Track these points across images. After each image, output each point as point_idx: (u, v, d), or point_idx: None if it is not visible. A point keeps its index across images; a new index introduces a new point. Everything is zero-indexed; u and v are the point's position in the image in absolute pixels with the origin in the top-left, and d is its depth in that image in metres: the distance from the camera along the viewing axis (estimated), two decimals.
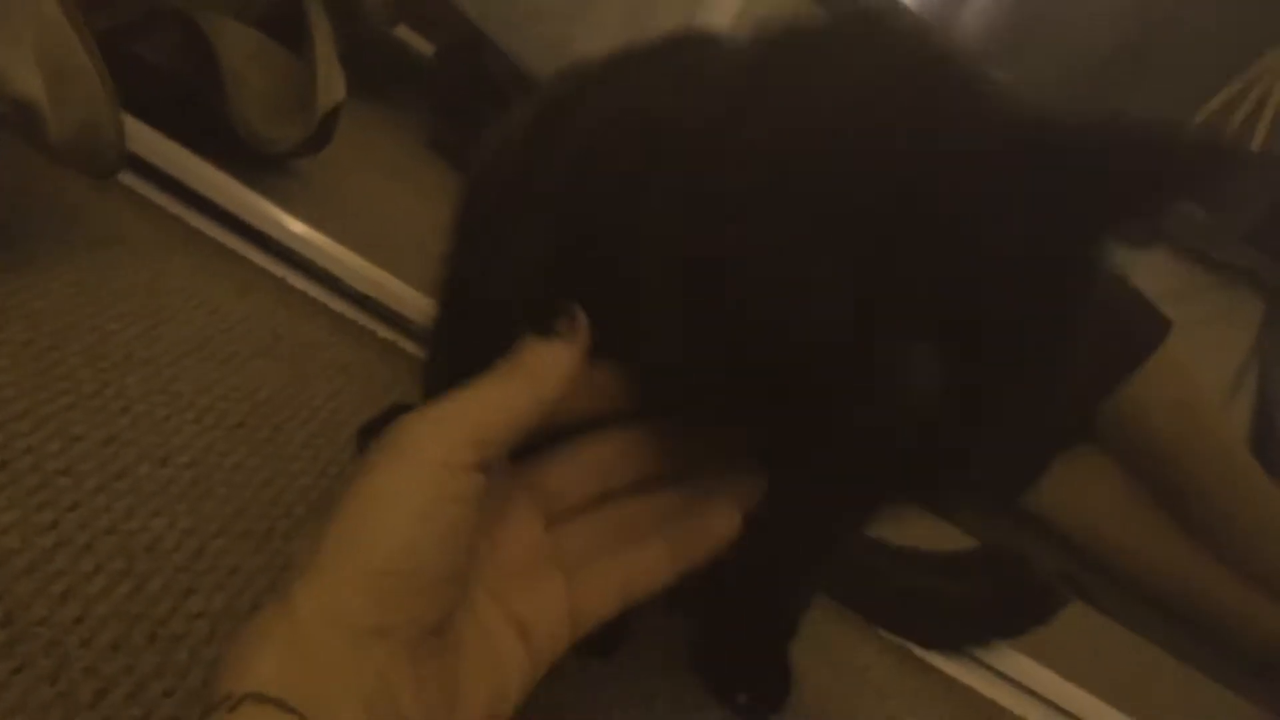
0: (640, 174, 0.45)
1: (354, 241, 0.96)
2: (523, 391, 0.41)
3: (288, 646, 0.35)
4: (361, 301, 0.92)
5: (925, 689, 0.91)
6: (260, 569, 0.56)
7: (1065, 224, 0.40)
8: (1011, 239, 0.38)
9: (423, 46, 2.00)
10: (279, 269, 0.90)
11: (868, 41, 0.42)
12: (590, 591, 0.46)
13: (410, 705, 0.37)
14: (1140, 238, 0.43)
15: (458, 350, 0.64)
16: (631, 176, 0.46)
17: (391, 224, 1.25)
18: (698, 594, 0.76)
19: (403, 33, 2.00)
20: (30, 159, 0.69)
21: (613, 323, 0.44)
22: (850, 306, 0.38)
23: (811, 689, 0.77)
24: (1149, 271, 1.71)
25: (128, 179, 0.87)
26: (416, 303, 0.94)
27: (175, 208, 0.89)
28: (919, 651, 0.95)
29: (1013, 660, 1.00)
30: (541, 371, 0.42)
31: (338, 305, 0.90)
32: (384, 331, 0.90)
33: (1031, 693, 1.01)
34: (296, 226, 0.94)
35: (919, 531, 1.06)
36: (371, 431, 0.71)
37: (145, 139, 0.90)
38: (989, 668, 1.00)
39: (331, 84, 1.10)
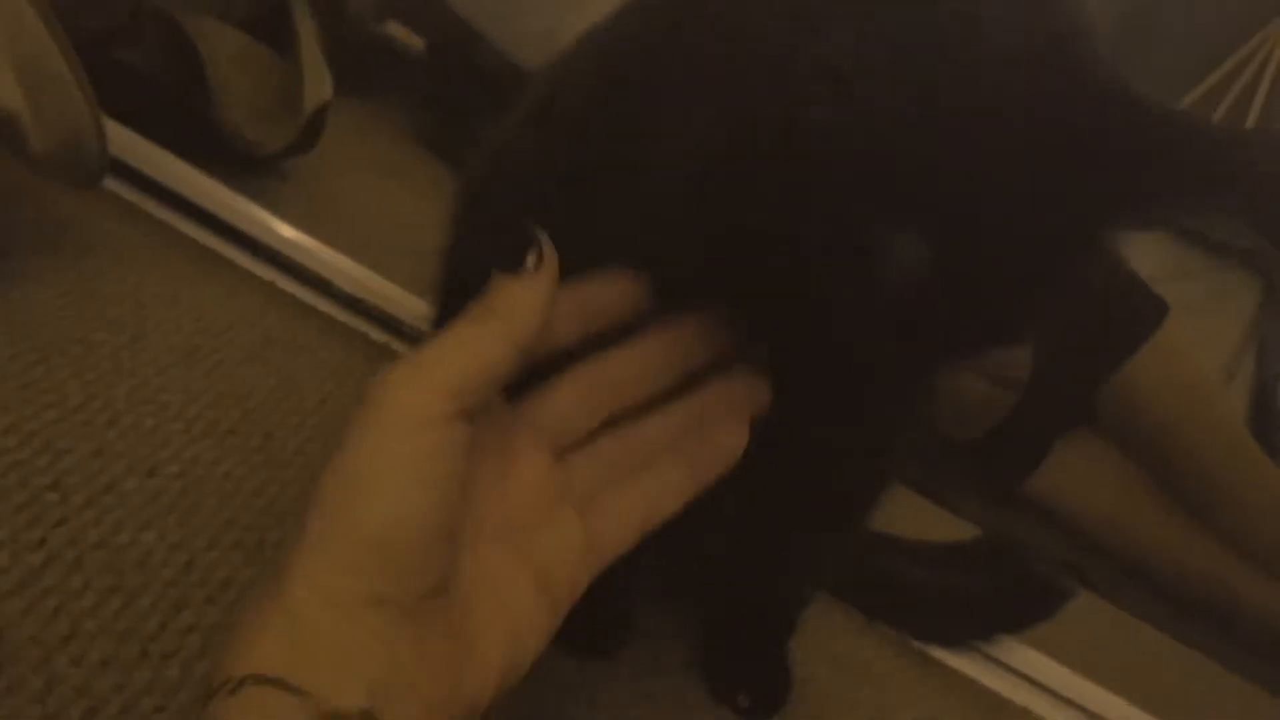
0: (662, 78, 0.45)
1: (344, 243, 0.96)
2: (496, 333, 0.39)
3: (285, 625, 0.35)
4: (352, 304, 0.92)
5: (926, 682, 0.90)
6: (252, 581, 0.55)
7: (1073, 169, 0.41)
8: (1014, 162, 0.39)
9: (412, 42, 1.99)
10: (267, 272, 0.89)
11: None
12: (607, 524, 0.45)
13: (417, 671, 0.37)
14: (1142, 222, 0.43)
15: None
16: (654, 81, 0.46)
17: (382, 224, 1.24)
18: (697, 594, 0.76)
19: (393, 28, 1.99)
20: (11, 168, 0.68)
21: (624, 230, 0.45)
22: (853, 195, 0.39)
23: (812, 685, 0.77)
24: (1146, 253, 1.71)
25: (112, 185, 0.86)
26: (409, 304, 0.93)
27: (161, 213, 0.88)
28: (919, 645, 0.95)
29: (1015, 651, 1.00)
30: (513, 310, 0.40)
31: (328, 308, 0.90)
32: (376, 334, 0.90)
33: (1034, 683, 1.01)
34: (285, 229, 0.93)
35: (920, 522, 1.06)
36: None
37: (130, 144, 0.89)
38: (991, 659, 0.99)
39: (318, 83, 1.09)
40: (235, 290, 0.83)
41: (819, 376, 0.48)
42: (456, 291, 0.65)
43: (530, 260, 0.41)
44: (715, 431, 0.47)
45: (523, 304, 0.40)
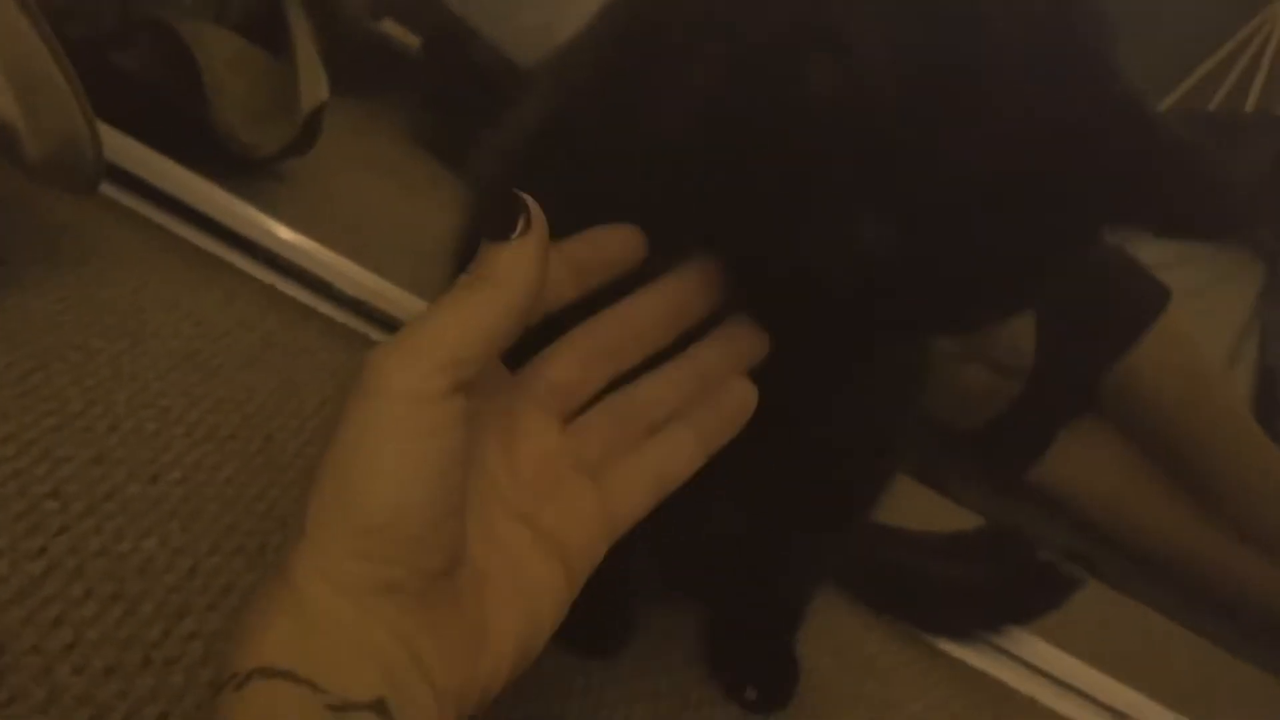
0: (668, 36, 0.46)
1: (343, 244, 0.96)
2: (489, 301, 0.38)
3: (292, 617, 0.34)
4: (352, 305, 0.91)
5: (932, 673, 0.90)
6: (255, 586, 0.55)
7: (1066, 167, 0.41)
8: (1006, 155, 0.39)
9: (408, 40, 1.98)
10: (266, 275, 0.89)
11: None
12: (622, 492, 0.45)
13: (430, 654, 0.36)
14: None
15: None
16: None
17: (381, 224, 1.24)
18: (702, 590, 0.76)
19: (388, 27, 1.98)
20: (6, 175, 0.68)
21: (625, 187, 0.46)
22: (836, 168, 0.40)
23: (817, 678, 0.77)
24: (1147, 239, 1.70)
25: (109, 190, 0.86)
26: (409, 304, 0.93)
27: (159, 217, 0.88)
28: (926, 637, 0.95)
29: (1020, 640, 1.00)
30: (505, 276, 0.38)
31: (327, 310, 0.90)
32: (376, 335, 0.89)
33: (1040, 672, 1.01)
34: (283, 231, 0.93)
35: (925, 512, 1.06)
36: None
37: (126, 149, 0.89)
38: (996, 649, 0.99)
39: (314, 84, 1.09)
40: (234, 293, 0.83)
41: (802, 343, 0.49)
42: None
43: (520, 225, 0.39)
44: (722, 392, 0.47)
45: (514, 268, 0.38)
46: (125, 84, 0.97)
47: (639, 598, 0.69)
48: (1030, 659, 1.00)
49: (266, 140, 1.06)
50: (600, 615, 0.65)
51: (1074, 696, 1.01)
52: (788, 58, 0.40)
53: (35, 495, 0.52)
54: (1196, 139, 0.43)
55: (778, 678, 0.74)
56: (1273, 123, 2.48)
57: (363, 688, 0.34)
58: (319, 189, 1.18)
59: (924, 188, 0.39)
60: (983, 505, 1.42)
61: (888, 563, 0.95)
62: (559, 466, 0.44)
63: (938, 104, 0.38)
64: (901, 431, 0.68)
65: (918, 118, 0.38)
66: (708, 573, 0.74)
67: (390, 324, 0.92)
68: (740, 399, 0.47)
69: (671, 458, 0.46)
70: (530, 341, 0.41)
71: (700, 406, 0.47)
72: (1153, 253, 1.56)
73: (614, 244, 0.45)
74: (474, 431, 0.39)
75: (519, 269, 0.38)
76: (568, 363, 0.45)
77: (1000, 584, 0.95)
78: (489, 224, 0.39)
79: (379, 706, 0.34)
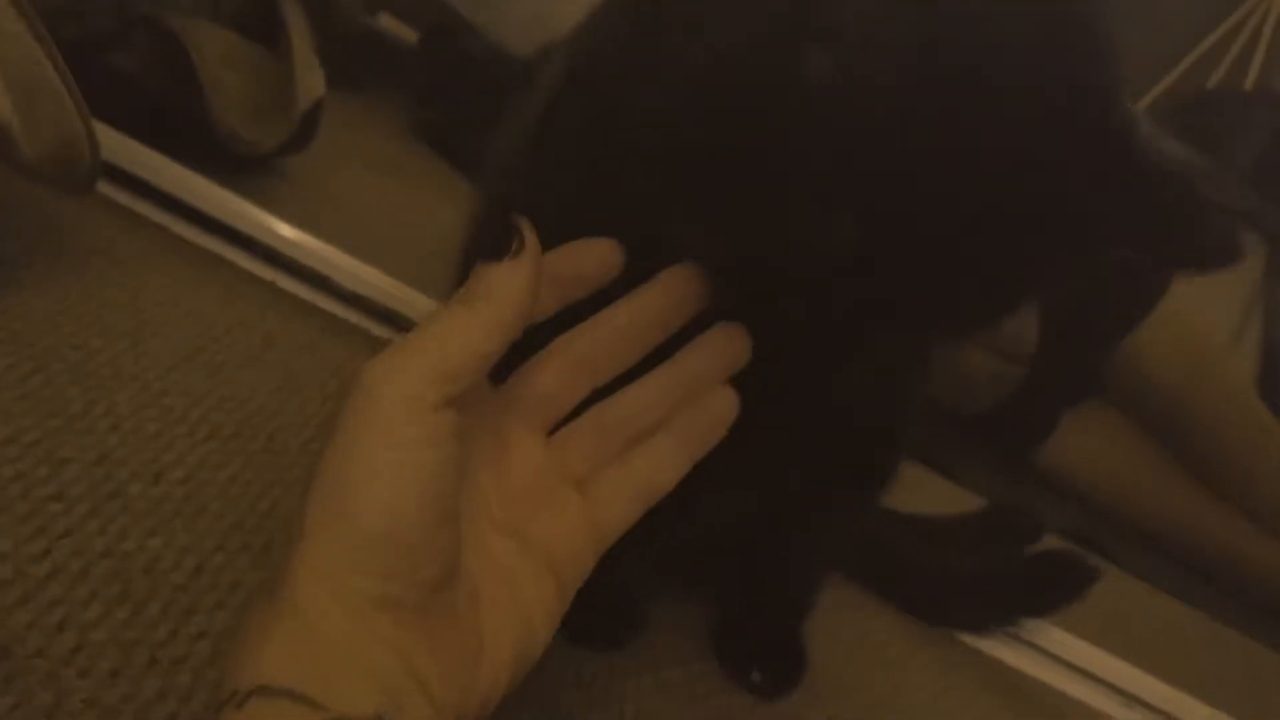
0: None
1: (343, 239, 0.95)
2: (481, 316, 0.39)
3: (291, 631, 0.34)
4: (353, 300, 0.91)
5: (942, 659, 0.90)
6: (256, 591, 0.54)
7: (1052, 184, 0.41)
8: (991, 164, 0.39)
9: (404, 34, 1.98)
10: (266, 272, 0.89)
11: None
12: (608, 502, 0.46)
13: (428, 669, 0.36)
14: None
15: None
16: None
17: (381, 219, 1.23)
18: (709, 579, 0.75)
19: (384, 21, 1.98)
20: (3, 176, 0.68)
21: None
22: (816, 161, 0.40)
23: (827, 666, 0.77)
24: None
25: (107, 190, 0.85)
26: (410, 299, 0.93)
27: (157, 216, 0.88)
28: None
29: (1029, 625, 1.00)
30: (498, 294, 0.39)
31: (328, 306, 0.89)
32: (377, 330, 0.89)
33: (1050, 655, 1.01)
34: (283, 228, 0.93)
35: (932, 497, 1.06)
36: None
37: (123, 148, 0.88)
38: (1006, 633, 0.99)
39: (310, 80, 1.08)
40: (234, 291, 0.82)
41: (788, 345, 0.49)
42: None
43: (514, 246, 0.40)
44: (705, 401, 0.48)
45: (507, 287, 0.39)
46: (122, 83, 0.96)
47: (648, 591, 0.69)
48: (1039, 643, 1.00)
49: (264, 137, 1.05)
50: (610, 608, 0.65)
51: (1083, 679, 1.01)
52: (782, 47, 0.40)
53: (38, 497, 0.52)
54: (1186, 170, 0.43)
55: (784, 663, 0.74)
56: (1273, 99, 2.47)
57: (361, 703, 0.34)
58: (317, 185, 1.18)
59: (907, 183, 0.39)
60: (989, 489, 1.42)
61: (903, 557, 0.95)
62: (545, 479, 0.45)
63: (929, 100, 0.38)
64: (907, 418, 0.68)
65: (907, 113, 0.38)
66: (715, 563, 0.74)
67: (391, 319, 0.91)
68: (722, 407, 0.48)
69: (655, 468, 0.47)
70: (510, 355, 0.41)
71: (683, 415, 0.47)
72: None
73: (593, 257, 0.46)
74: (462, 446, 0.39)
75: (512, 288, 0.39)
76: (548, 376, 0.46)
77: (1018, 576, 0.95)
78: (484, 245, 0.40)
79: None
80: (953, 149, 0.39)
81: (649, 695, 0.64)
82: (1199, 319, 1.67)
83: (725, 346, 0.48)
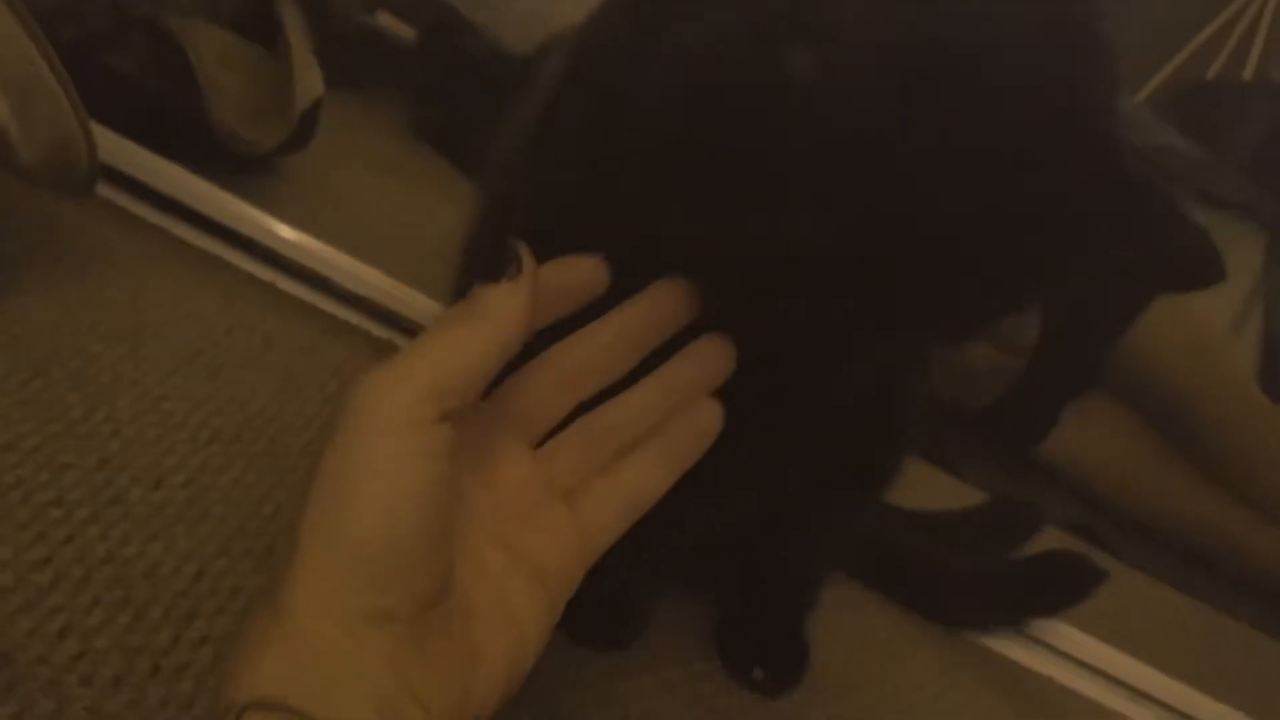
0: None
1: (343, 239, 0.95)
2: (478, 335, 0.39)
3: (285, 647, 0.34)
4: (353, 301, 0.91)
5: (946, 654, 0.90)
6: (247, 613, 0.54)
7: (1035, 197, 0.41)
8: (974, 171, 0.39)
9: (402, 33, 1.97)
10: (266, 273, 0.89)
11: None
12: (595, 514, 0.46)
13: (423, 683, 0.36)
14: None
15: None
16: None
17: (381, 218, 1.23)
18: (712, 577, 0.75)
19: (382, 19, 1.98)
20: (0, 180, 0.68)
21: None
22: (796, 157, 0.40)
23: (831, 661, 0.77)
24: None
25: (105, 192, 0.85)
26: (410, 299, 0.92)
27: (156, 218, 0.88)
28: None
29: (1035, 620, 1.00)
30: (495, 313, 0.39)
31: (328, 306, 0.89)
32: (377, 330, 0.89)
33: (1053, 649, 1.01)
34: (282, 228, 0.93)
35: (934, 492, 1.06)
36: None
37: (121, 150, 0.88)
38: (1012, 629, 0.99)
39: (309, 80, 1.08)
40: (234, 293, 0.82)
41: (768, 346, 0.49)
42: None
43: (511, 269, 0.40)
44: (690, 413, 0.48)
45: (503, 306, 0.40)
46: (119, 84, 0.96)
47: (650, 590, 0.69)
48: (1042, 638, 1.00)
49: (262, 137, 1.05)
50: (611, 608, 0.65)
51: (1086, 673, 1.01)
52: (770, 45, 0.40)
53: (39, 503, 0.52)
54: (1167, 188, 0.43)
55: (786, 660, 0.73)
56: (1272, 90, 2.47)
57: (357, 716, 0.34)
58: (316, 185, 1.18)
59: (892, 183, 0.39)
60: (991, 483, 1.41)
61: (908, 556, 0.95)
62: (533, 492, 0.45)
63: (916, 100, 0.38)
64: (908, 417, 0.68)
65: (892, 112, 0.38)
66: (717, 562, 0.74)
67: (391, 319, 0.91)
68: (707, 419, 0.48)
69: (642, 479, 0.47)
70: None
71: (669, 427, 0.48)
72: None
73: (579, 274, 0.46)
74: (456, 461, 0.39)
75: (509, 309, 0.40)
76: (534, 390, 0.46)
77: (1024, 576, 0.95)
78: (482, 267, 0.41)
79: None
80: (939, 149, 0.39)
81: (650, 695, 0.64)
82: (1199, 310, 1.66)
83: (710, 359, 0.48)
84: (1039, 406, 1.61)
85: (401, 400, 0.37)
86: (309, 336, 0.82)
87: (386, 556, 0.36)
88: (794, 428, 0.58)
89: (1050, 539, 1.33)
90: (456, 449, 0.38)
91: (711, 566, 0.75)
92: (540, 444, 0.47)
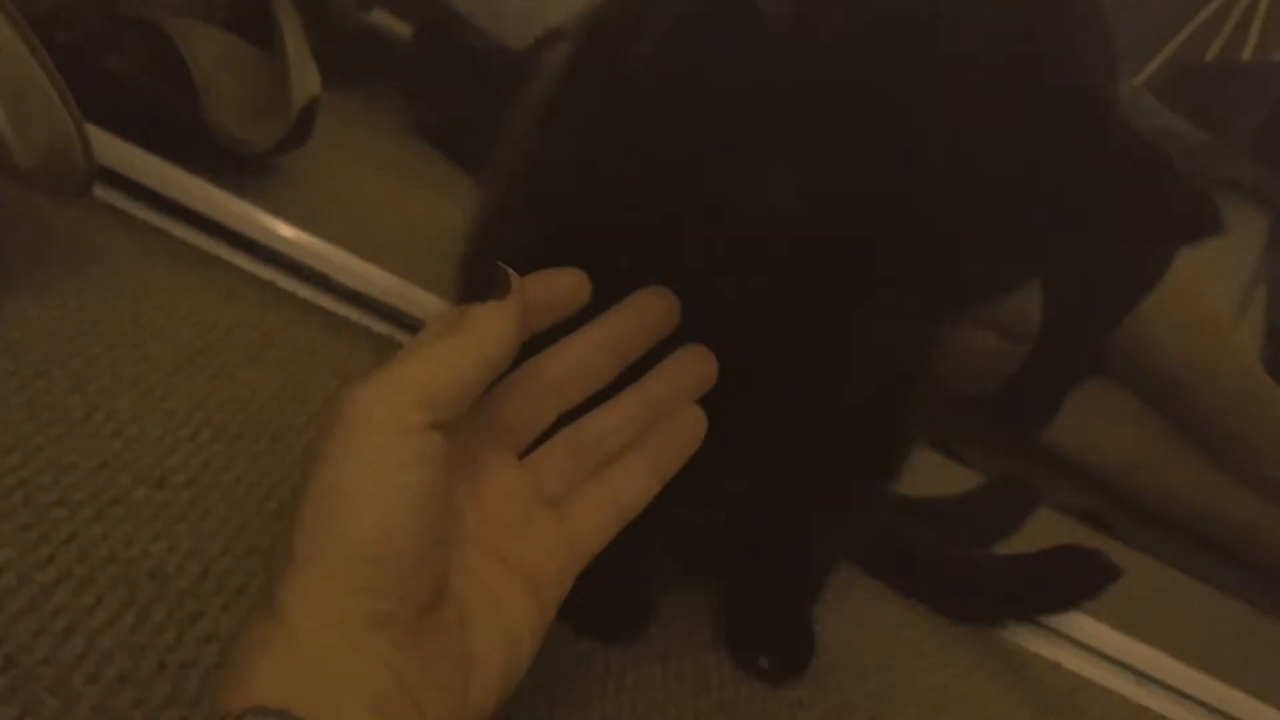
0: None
1: (341, 236, 0.95)
2: (467, 349, 0.40)
3: (283, 653, 0.34)
4: (352, 298, 0.91)
5: (955, 642, 0.90)
6: (242, 619, 0.54)
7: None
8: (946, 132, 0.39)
9: (398, 30, 1.97)
10: (265, 272, 0.89)
11: None
12: (583, 521, 0.46)
13: (421, 688, 0.37)
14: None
15: None
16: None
17: (379, 215, 1.23)
18: (717, 567, 0.75)
19: (378, 17, 1.98)
20: None
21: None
22: (765, 110, 0.40)
23: (840, 649, 0.77)
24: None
25: (103, 193, 0.85)
26: (410, 295, 0.92)
27: (154, 219, 0.87)
28: None
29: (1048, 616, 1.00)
30: (484, 329, 0.40)
31: (328, 304, 0.89)
32: (377, 327, 0.89)
33: (1062, 635, 1.00)
34: (281, 227, 0.92)
35: (940, 479, 1.06)
36: None
37: (119, 151, 0.88)
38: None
39: (305, 78, 1.08)
40: (233, 292, 0.82)
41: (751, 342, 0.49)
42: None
43: (498, 290, 0.41)
44: (673, 422, 0.49)
45: (491, 324, 0.40)
46: (115, 86, 0.96)
47: (656, 582, 0.69)
48: (1049, 622, 1.00)
49: (260, 136, 1.05)
50: (616, 601, 0.64)
51: (1094, 658, 1.01)
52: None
53: (41, 504, 0.52)
54: (1155, 139, 0.42)
55: (792, 648, 0.73)
56: (1271, 70, 2.46)
57: None
58: (315, 183, 1.18)
59: (861, 139, 0.39)
60: (996, 470, 1.41)
61: (920, 552, 0.95)
62: (521, 500, 0.46)
63: (886, 53, 0.38)
64: (914, 408, 0.68)
65: (863, 66, 0.38)
66: (723, 552, 0.74)
67: (391, 315, 0.91)
68: (691, 427, 0.49)
69: (628, 487, 0.48)
70: None
71: (654, 435, 0.49)
72: None
73: (561, 287, 0.46)
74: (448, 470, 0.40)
75: (496, 326, 0.40)
76: (518, 399, 0.47)
77: (1038, 572, 0.95)
78: (472, 289, 0.42)
79: None
80: (911, 104, 0.39)
81: (659, 686, 0.64)
82: (1202, 293, 1.66)
83: (693, 367, 0.49)
84: (1043, 392, 1.61)
85: (391, 407, 0.37)
86: (309, 334, 0.82)
87: (382, 559, 0.36)
88: (793, 424, 0.58)
89: (1056, 525, 1.33)
90: (448, 457, 0.39)
91: (716, 557, 0.74)
92: (526, 453, 0.48)
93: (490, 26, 1.63)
